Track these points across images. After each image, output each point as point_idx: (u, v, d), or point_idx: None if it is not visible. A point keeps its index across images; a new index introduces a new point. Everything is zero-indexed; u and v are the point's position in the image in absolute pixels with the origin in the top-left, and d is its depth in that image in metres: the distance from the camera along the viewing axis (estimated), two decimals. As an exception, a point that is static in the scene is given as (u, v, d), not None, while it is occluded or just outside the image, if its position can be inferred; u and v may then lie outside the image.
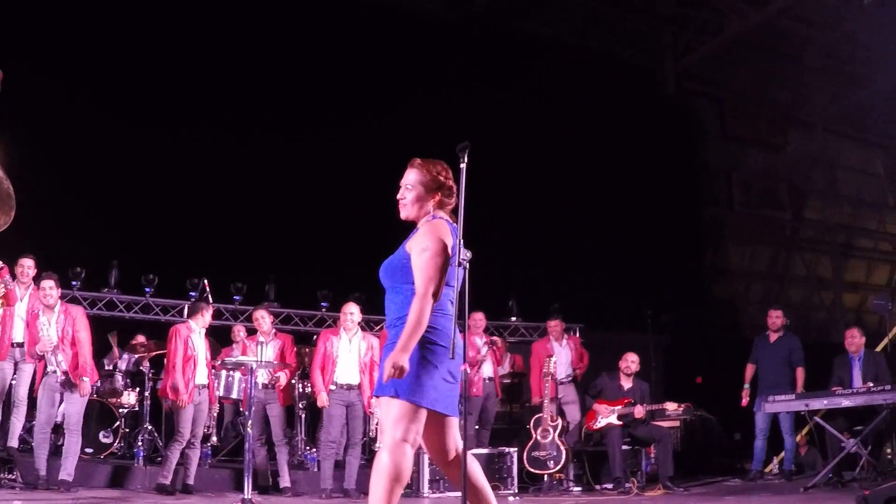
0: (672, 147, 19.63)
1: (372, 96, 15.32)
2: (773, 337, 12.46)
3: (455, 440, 4.76)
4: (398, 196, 4.92)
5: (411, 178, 4.90)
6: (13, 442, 10.12)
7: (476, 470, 4.78)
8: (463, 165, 4.72)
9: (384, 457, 4.50)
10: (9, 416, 10.10)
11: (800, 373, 12.11)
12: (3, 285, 9.59)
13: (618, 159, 17.91)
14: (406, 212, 4.91)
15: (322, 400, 10.45)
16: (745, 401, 12.37)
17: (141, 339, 12.49)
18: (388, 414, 4.59)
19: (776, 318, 12.50)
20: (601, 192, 17.42)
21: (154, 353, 11.86)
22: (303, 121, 14.84)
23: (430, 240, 4.65)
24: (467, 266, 4.66)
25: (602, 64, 19.20)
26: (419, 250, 4.63)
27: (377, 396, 4.73)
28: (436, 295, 4.54)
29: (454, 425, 4.75)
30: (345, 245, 14.05)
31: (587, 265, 16.59)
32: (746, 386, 12.39)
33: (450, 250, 4.64)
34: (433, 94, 15.47)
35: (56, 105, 12.96)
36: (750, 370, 12.44)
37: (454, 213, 4.82)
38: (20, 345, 10.04)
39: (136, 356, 12.17)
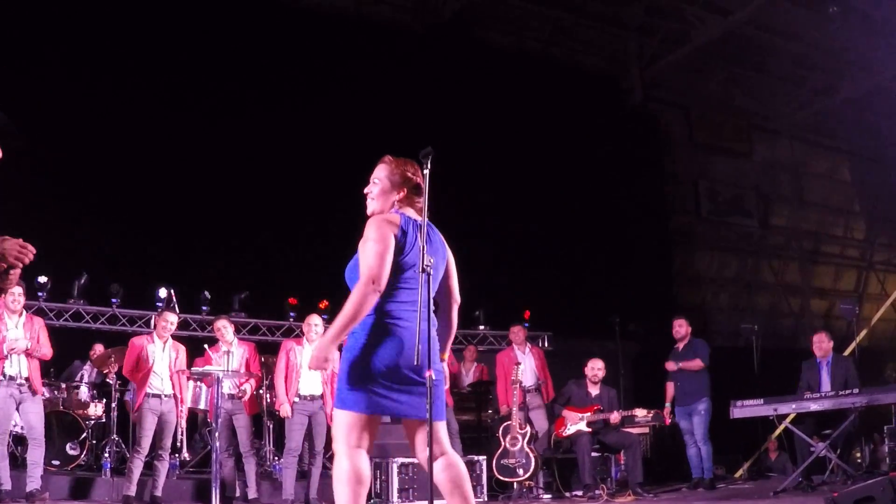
0: (639, 155, 19.69)
1: (338, 105, 15.27)
2: (681, 346, 12.52)
3: (431, 443, 4.66)
4: (365, 190, 4.95)
5: (379, 173, 4.94)
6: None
7: (460, 474, 4.77)
8: (426, 171, 4.71)
9: (342, 463, 4.57)
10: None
11: (696, 362, 12.21)
12: None
13: (585, 168, 17.97)
14: (372, 206, 4.92)
15: (285, 411, 10.40)
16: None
17: (99, 348, 12.43)
18: (337, 424, 4.67)
19: (679, 326, 12.56)
20: (569, 200, 17.46)
21: (119, 365, 11.79)
22: (268, 130, 14.76)
23: (370, 230, 4.67)
24: (431, 272, 4.61)
25: (568, 73, 19.24)
26: (362, 242, 4.66)
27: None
28: (377, 282, 4.51)
29: (420, 429, 4.73)
30: (312, 254, 14.04)
31: (555, 274, 16.62)
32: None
33: (400, 239, 4.66)
34: (398, 103, 15.44)
35: (21, 113, 12.85)
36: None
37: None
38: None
39: (100, 367, 12.10)
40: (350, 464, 4.54)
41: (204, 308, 13.44)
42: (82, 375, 12.31)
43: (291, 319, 13.82)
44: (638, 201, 19.03)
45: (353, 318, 4.49)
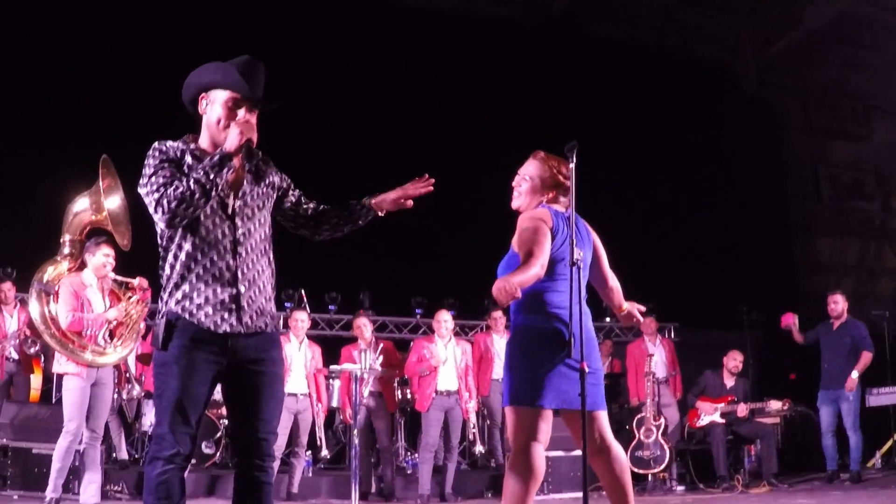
0: (756, 142, 19.43)
1: (455, 105, 15.32)
2: (836, 324, 11.75)
3: (596, 431, 4.73)
4: (514, 183, 4.93)
5: (531, 170, 4.91)
6: (122, 454, 10.39)
7: (623, 467, 4.81)
8: (572, 165, 4.70)
9: (518, 459, 4.58)
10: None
11: (864, 356, 11.34)
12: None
13: (703, 158, 17.75)
14: (518, 202, 4.91)
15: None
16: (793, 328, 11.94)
17: None
18: (511, 421, 4.67)
19: (834, 303, 11.78)
20: (688, 191, 17.28)
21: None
22: (391, 133, 14.85)
23: (525, 222, 4.66)
24: (580, 265, 4.61)
25: (681, 62, 19.04)
26: (517, 235, 4.66)
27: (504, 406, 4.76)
28: (535, 261, 4.43)
29: (594, 418, 4.71)
30: (437, 251, 14.08)
31: (679, 264, 16.44)
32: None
33: (554, 230, 4.62)
34: (513, 100, 15.45)
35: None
36: (798, 334, 11.96)
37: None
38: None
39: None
40: (525, 458, 4.56)
41: (331, 308, 13.59)
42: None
43: (418, 316, 13.89)
44: (757, 189, 18.76)
45: (525, 271, 4.36)
